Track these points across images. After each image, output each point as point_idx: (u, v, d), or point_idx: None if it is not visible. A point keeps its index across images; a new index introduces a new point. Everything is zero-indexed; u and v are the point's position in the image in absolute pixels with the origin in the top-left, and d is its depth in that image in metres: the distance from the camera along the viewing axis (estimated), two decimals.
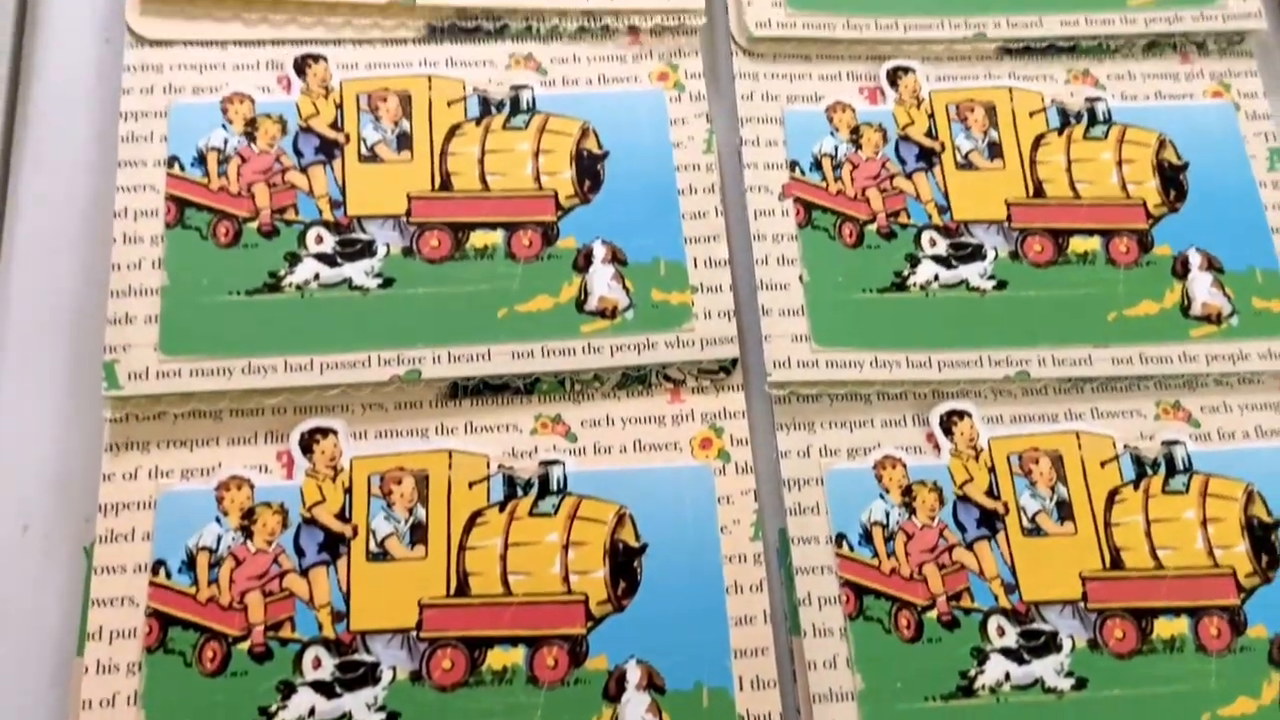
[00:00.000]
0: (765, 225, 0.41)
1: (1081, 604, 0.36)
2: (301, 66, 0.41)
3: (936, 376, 0.39)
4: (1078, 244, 0.41)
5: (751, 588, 0.36)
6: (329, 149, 0.40)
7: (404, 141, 0.41)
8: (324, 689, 0.34)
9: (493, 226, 0.40)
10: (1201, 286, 0.41)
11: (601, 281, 0.39)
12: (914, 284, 0.40)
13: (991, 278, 0.40)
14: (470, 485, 0.37)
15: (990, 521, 0.37)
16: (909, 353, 0.39)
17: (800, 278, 0.40)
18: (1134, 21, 0.44)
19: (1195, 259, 0.41)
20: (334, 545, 0.35)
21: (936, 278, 0.40)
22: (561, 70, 0.42)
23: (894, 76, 0.44)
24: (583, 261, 0.39)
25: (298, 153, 0.40)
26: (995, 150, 0.42)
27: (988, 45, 0.44)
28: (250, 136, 0.40)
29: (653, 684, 0.34)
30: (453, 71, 0.42)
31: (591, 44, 0.43)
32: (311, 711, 0.33)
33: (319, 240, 0.39)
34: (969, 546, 0.37)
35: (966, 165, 0.42)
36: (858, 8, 0.44)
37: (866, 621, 0.35)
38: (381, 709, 0.34)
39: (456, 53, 0.42)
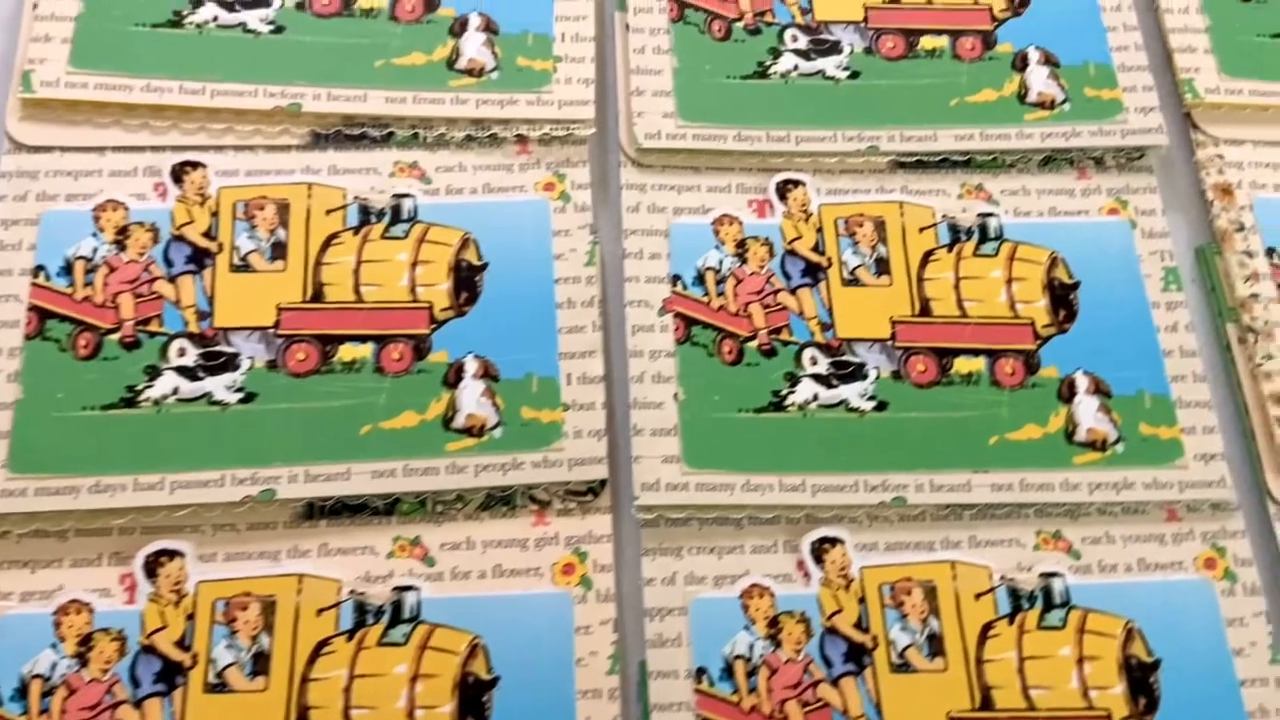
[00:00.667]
0: (643, 341, 0.40)
1: None
2: (179, 173, 0.41)
3: (810, 501, 0.38)
4: (962, 364, 0.41)
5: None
6: (200, 258, 0.40)
7: (279, 251, 0.40)
8: None
9: (363, 339, 0.39)
10: (1088, 411, 0.40)
11: (471, 398, 0.38)
12: (792, 404, 0.39)
13: (872, 398, 0.40)
14: (319, 612, 0.35)
15: (858, 656, 0.36)
16: (782, 476, 0.38)
17: (675, 396, 0.39)
18: (1030, 136, 0.44)
19: (1082, 382, 0.41)
20: (171, 675, 0.34)
21: (816, 397, 0.40)
22: (446, 179, 0.42)
23: (783, 189, 0.43)
24: (453, 377, 0.39)
25: (168, 261, 0.39)
26: (883, 266, 0.42)
27: (880, 159, 0.44)
28: (120, 245, 0.39)
29: None
30: (335, 179, 0.41)
31: (478, 152, 0.43)
32: None
33: (181, 353, 0.38)
34: (834, 683, 0.36)
35: (853, 281, 0.42)
36: (750, 119, 0.44)
37: None
38: None
39: (340, 160, 0.42)
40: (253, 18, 0.43)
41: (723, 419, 0.39)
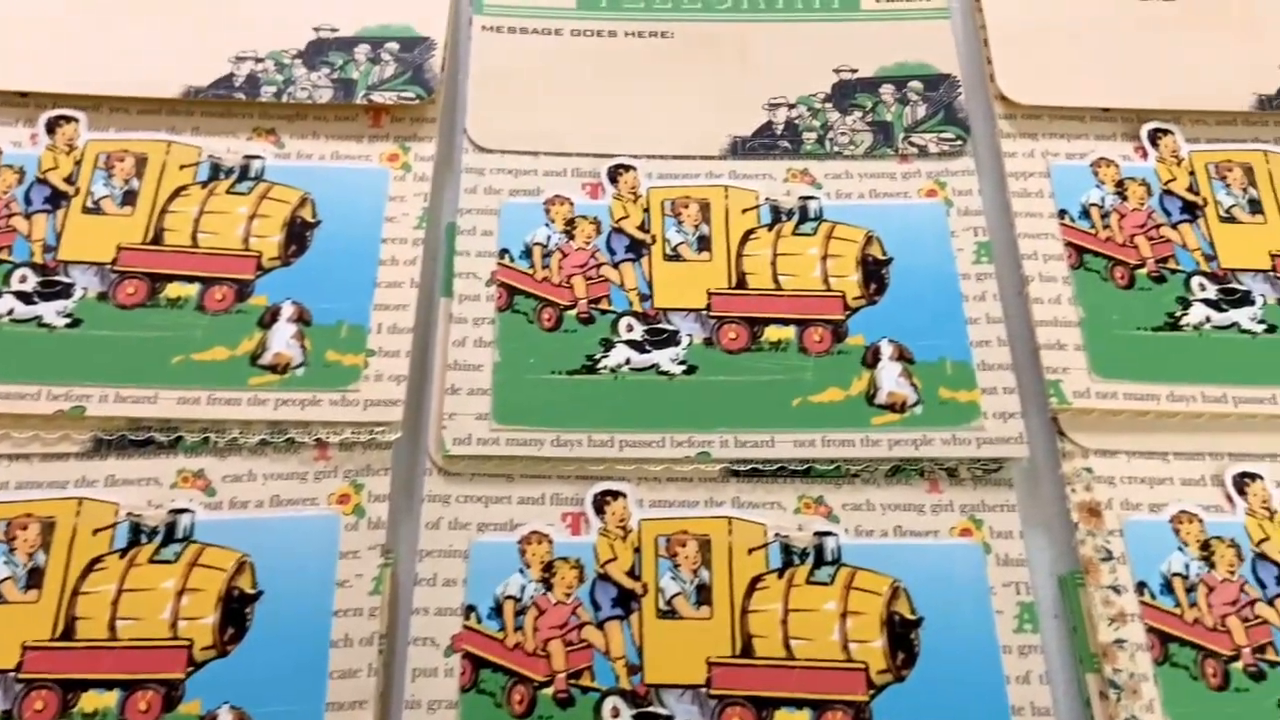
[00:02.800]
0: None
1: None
2: None
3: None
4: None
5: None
6: None
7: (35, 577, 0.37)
8: None
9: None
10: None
11: (281, 339, 0.41)
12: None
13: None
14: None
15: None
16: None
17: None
18: (877, 444, 0.40)
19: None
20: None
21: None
22: (231, 491, 0.39)
23: (600, 502, 0.40)
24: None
25: None
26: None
27: (712, 467, 0.41)
28: None
29: None
30: (109, 493, 0.38)
31: (271, 459, 0.40)
32: None
33: None
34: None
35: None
36: (568, 421, 0.40)
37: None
38: None
39: (119, 469, 0.39)
40: (49, 310, 0.42)
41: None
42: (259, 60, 0.48)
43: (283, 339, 0.41)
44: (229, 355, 0.41)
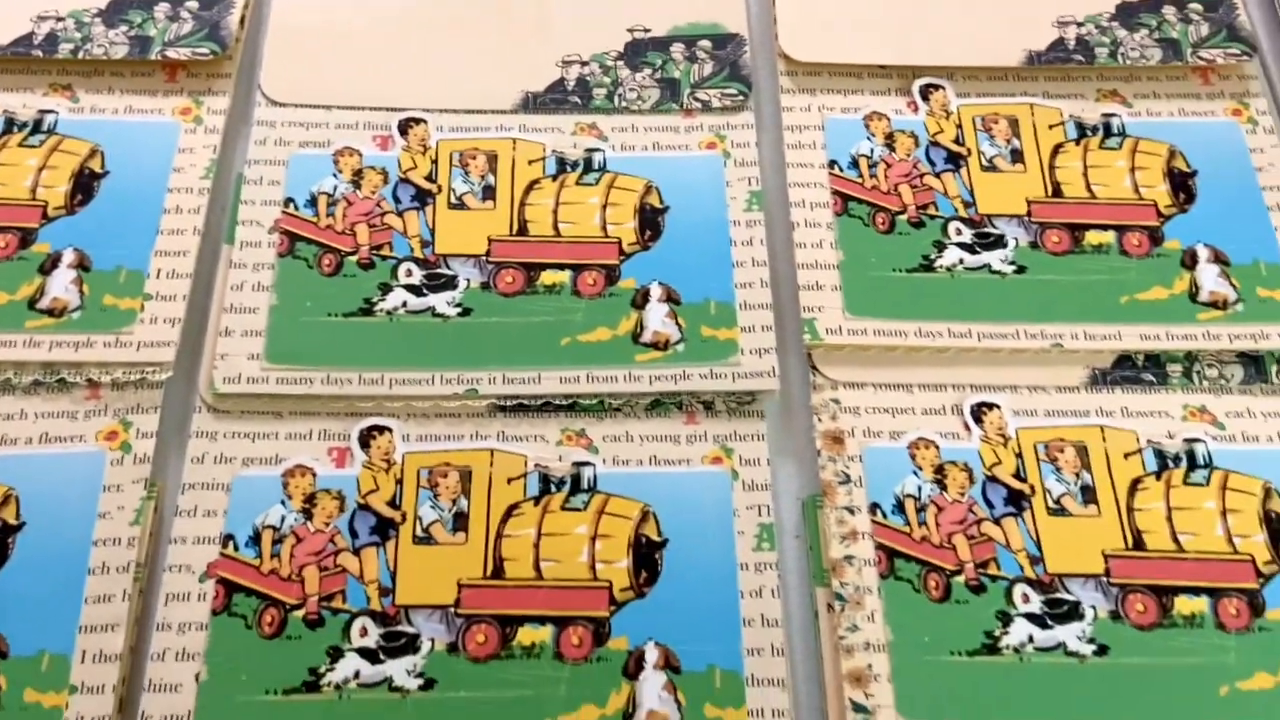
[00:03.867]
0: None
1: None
2: None
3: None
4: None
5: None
6: None
7: None
8: None
9: None
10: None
11: (60, 283, 0.42)
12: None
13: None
14: None
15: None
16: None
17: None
18: (639, 379, 0.42)
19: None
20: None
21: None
22: (2, 429, 0.40)
23: (367, 439, 0.41)
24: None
25: None
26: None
27: (479, 403, 0.42)
28: None
29: None
30: None
31: (44, 399, 0.41)
32: None
33: None
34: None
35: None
36: (340, 359, 0.42)
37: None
38: None
39: None
40: None
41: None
42: (59, 19, 0.49)
43: (61, 284, 0.42)
44: (8, 300, 0.42)
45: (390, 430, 0.41)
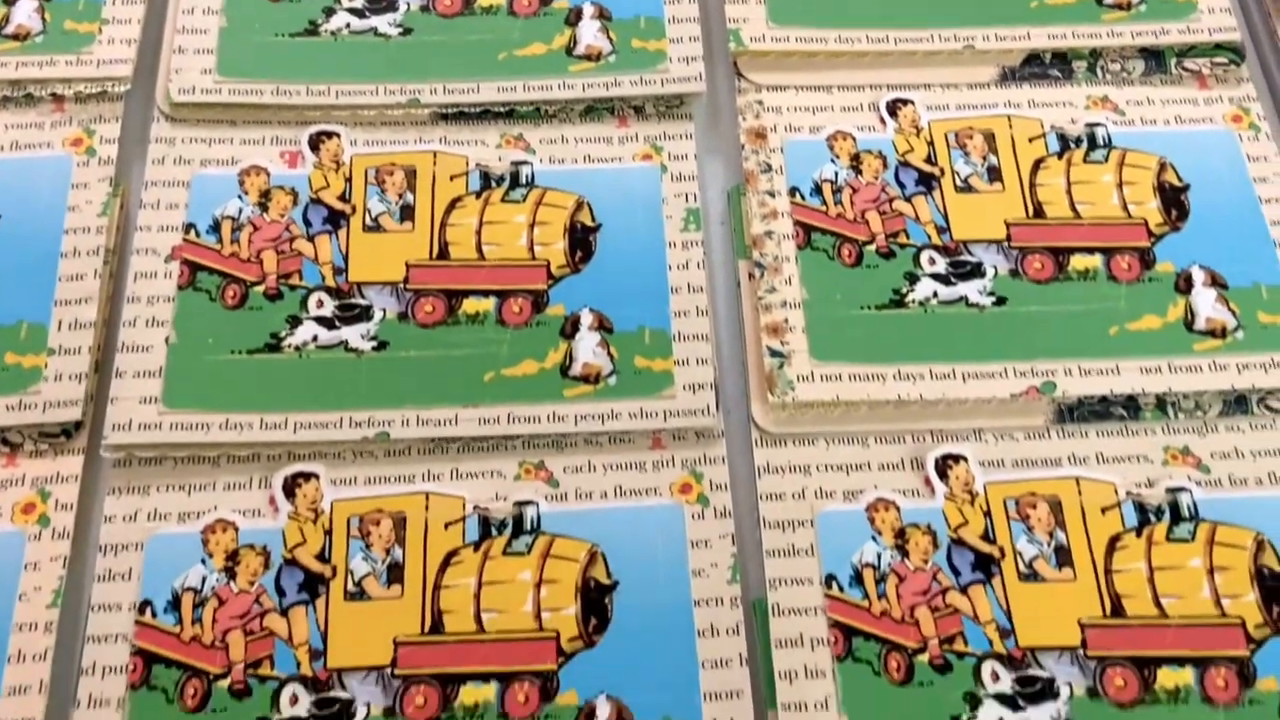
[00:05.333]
0: (143, 288, 0.40)
1: (389, 670, 0.35)
2: None
3: (291, 438, 0.38)
4: (471, 305, 0.40)
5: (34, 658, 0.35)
6: None
7: None
8: None
9: None
10: (587, 347, 0.40)
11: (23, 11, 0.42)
12: (289, 345, 0.40)
13: (374, 338, 0.40)
14: None
15: (314, 586, 0.36)
16: (264, 414, 0.38)
17: (167, 340, 0.39)
18: (572, 87, 0.45)
19: (587, 318, 0.40)
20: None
21: (315, 338, 0.40)
22: None
23: (316, 141, 0.44)
24: None
25: None
26: (408, 213, 0.42)
27: (422, 111, 0.45)
28: None
29: None
30: None
31: (12, 112, 0.43)
32: None
33: None
34: (283, 613, 0.36)
35: (375, 228, 0.42)
36: (288, 73, 0.44)
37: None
38: None
39: None
40: None
41: (213, 361, 0.39)
42: None
43: (26, 11, 0.44)
44: None
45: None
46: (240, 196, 0.42)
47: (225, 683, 0.35)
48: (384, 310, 0.41)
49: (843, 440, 0.39)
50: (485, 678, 0.35)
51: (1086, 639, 0.36)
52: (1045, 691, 0.35)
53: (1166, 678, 0.35)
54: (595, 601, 0.36)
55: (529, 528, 0.38)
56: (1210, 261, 0.42)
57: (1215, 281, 0.42)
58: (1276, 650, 0.35)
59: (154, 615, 0.36)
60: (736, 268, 0.42)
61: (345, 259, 0.41)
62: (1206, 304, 0.41)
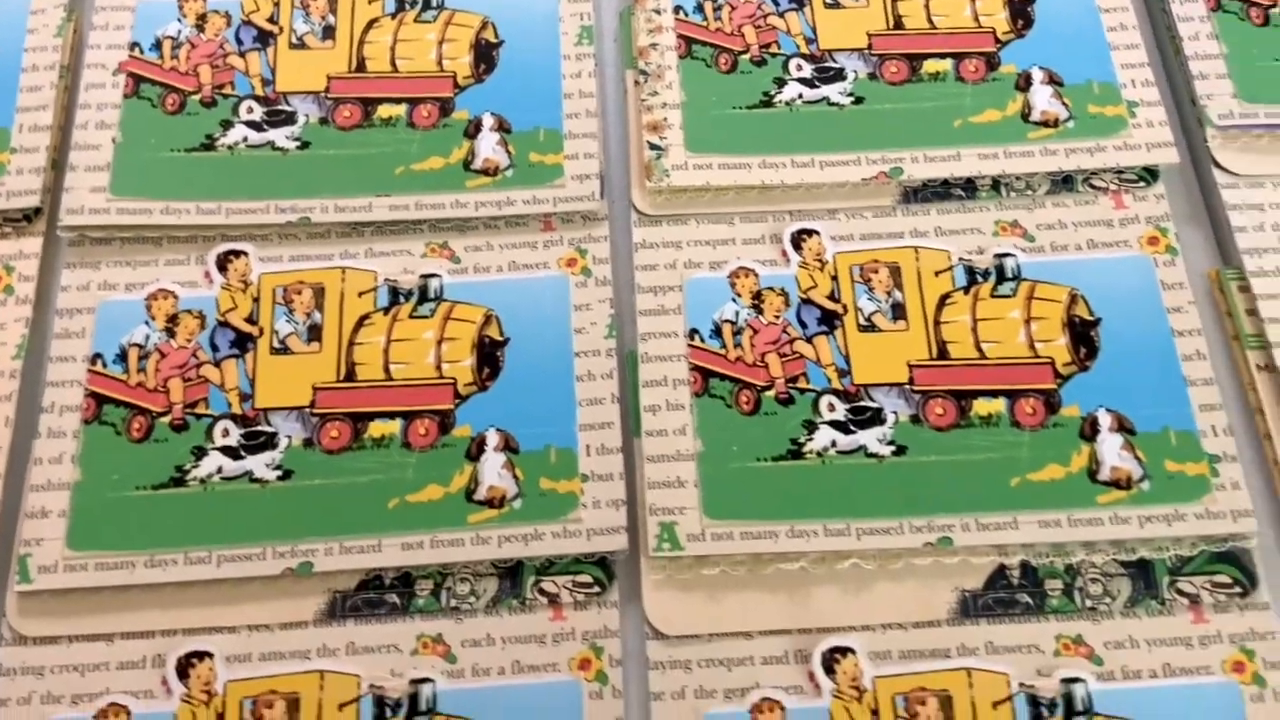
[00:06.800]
0: (94, 96, 0.46)
1: (308, 409, 0.40)
2: None
3: (224, 221, 0.43)
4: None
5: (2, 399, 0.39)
6: None
7: None
8: None
9: None
10: (487, 144, 0.45)
11: None
12: (222, 144, 0.45)
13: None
14: None
15: (243, 344, 0.42)
16: (199, 202, 0.44)
17: (113, 139, 0.45)
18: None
19: (489, 120, 0.46)
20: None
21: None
22: None
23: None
24: None
25: None
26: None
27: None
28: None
29: None
30: None
31: None
32: None
33: None
34: (218, 364, 0.42)
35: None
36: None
37: None
38: None
39: None
40: None
41: (156, 157, 0.44)
42: None
43: None
44: None
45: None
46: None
47: (166, 419, 0.41)
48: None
49: (711, 220, 0.44)
50: (391, 415, 0.41)
51: (914, 376, 0.41)
52: (874, 418, 0.40)
53: (981, 406, 0.40)
54: (489, 355, 0.42)
55: (433, 296, 0.43)
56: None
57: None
58: (1080, 384, 0.41)
59: (104, 365, 0.42)
60: (623, 76, 0.47)
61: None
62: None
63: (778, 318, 0.42)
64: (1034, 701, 0.37)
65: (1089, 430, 0.40)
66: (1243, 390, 0.41)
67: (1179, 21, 0.47)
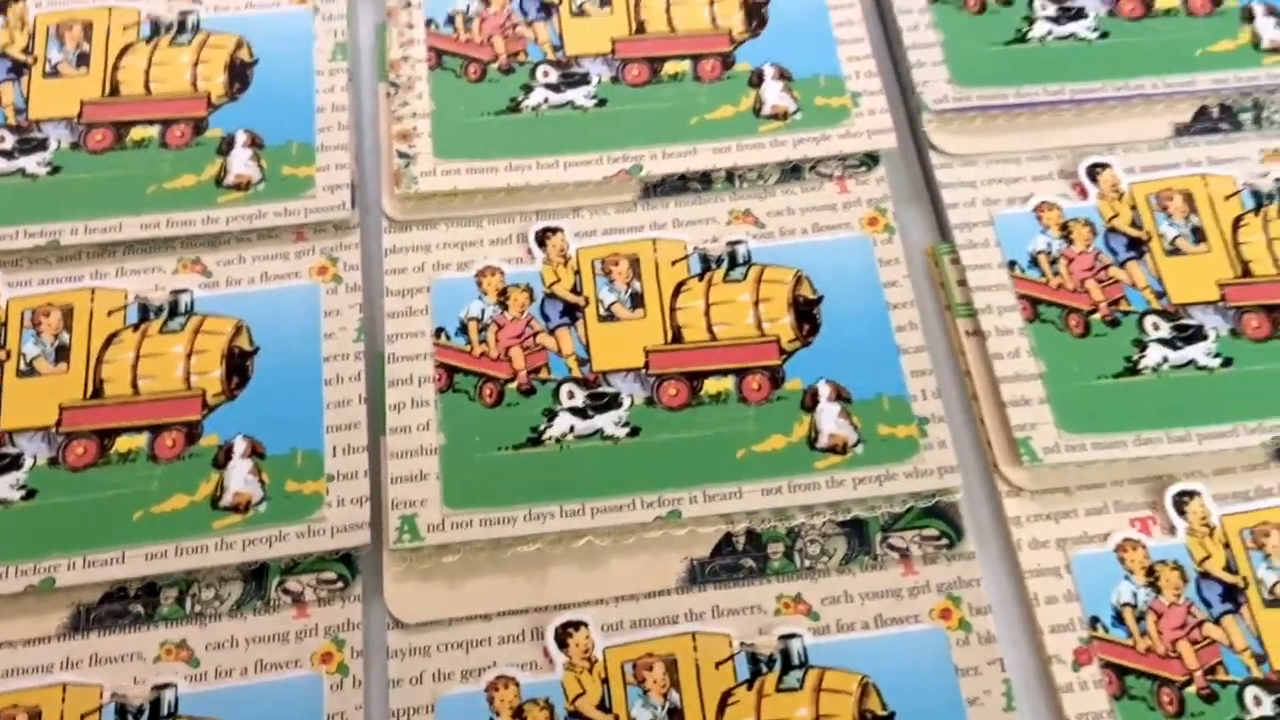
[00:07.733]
0: None
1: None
2: None
3: None
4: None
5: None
6: None
7: None
8: None
9: None
10: (239, 161, 0.46)
11: None
12: None
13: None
14: None
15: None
16: None
17: None
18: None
19: (240, 137, 0.46)
20: None
21: None
22: None
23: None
24: None
25: None
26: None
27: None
28: None
29: None
30: None
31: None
32: None
33: None
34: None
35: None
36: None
37: None
38: None
39: None
40: None
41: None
42: None
43: None
44: None
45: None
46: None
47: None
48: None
49: (460, 223, 0.45)
50: (138, 430, 0.41)
51: (649, 361, 0.43)
52: (611, 403, 0.42)
53: (711, 385, 0.42)
54: (239, 365, 0.43)
55: (183, 311, 0.44)
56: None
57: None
58: (802, 359, 0.43)
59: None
60: (377, 86, 0.48)
61: None
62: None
63: (522, 313, 0.44)
64: (754, 659, 0.39)
65: (810, 401, 0.42)
66: (955, 356, 0.44)
67: (899, 14, 0.49)
